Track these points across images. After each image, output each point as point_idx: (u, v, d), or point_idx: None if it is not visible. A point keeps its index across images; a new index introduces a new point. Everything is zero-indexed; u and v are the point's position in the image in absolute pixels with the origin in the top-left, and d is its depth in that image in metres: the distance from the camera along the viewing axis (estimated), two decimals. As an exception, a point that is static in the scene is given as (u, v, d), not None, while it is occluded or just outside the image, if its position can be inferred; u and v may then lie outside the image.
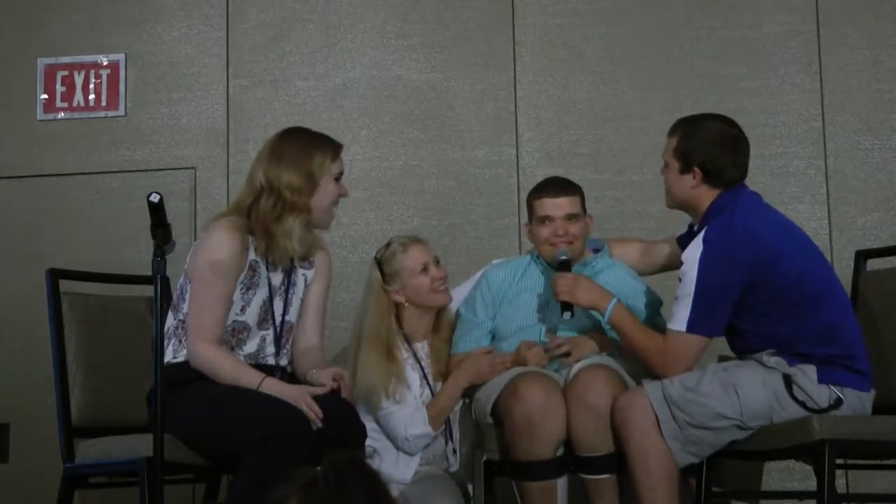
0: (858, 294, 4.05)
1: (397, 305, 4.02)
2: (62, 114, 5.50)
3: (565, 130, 5.24)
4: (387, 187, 5.28)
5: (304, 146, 3.68)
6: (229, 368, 3.55)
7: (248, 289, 3.65)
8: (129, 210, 5.29)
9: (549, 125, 5.25)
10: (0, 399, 5.23)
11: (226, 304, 3.60)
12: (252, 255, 3.64)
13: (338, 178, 3.71)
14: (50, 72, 5.50)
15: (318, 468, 2.06)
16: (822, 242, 4.95)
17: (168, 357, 3.60)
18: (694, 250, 3.52)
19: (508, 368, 3.79)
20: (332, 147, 3.73)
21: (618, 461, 3.58)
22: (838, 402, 3.47)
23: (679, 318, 3.52)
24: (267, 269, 3.67)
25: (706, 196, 3.63)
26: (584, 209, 4.00)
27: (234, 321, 3.64)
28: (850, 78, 5.12)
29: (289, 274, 3.73)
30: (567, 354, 3.77)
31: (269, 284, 3.68)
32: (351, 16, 5.42)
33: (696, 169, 3.62)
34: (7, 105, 5.52)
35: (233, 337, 3.64)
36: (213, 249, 3.58)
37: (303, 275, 3.78)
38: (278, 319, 3.70)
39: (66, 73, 5.50)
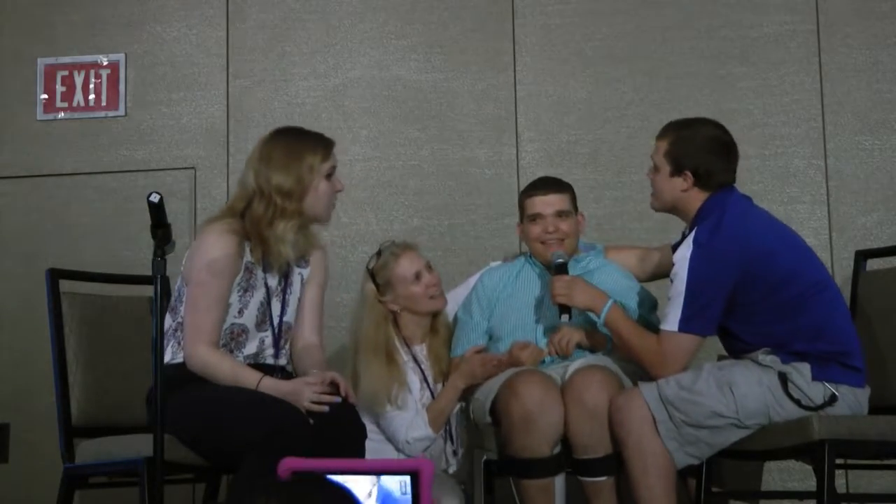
0: (858, 294, 4.05)
1: (393, 312, 4.03)
2: (62, 114, 5.50)
3: (565, 130, 5.24)
4: (387, 187, 5.28)
5: (292, 148, 3.65)
6: (227, 370, 3.55)
7: (245, 291, 3.65)
8: (129, 210, 5.29)
9: (549, 125, 5.25)
10: (0, 399, 5.23)
11: (222, 306, 3.60)
12: (248, 258, 3.64)
13: (330, 175, 3.69)
14: (50, 72, 5.50)
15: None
16: (822, 242, 4.95)
17: (167, 358, 3.59)
18: (684, 251, 3.54)
19: (503, 370, 3.80)
20: (322, 146, 3.69)
21: (616, 463, 3.58)
22: (833, 399, 3.48)
23: (671, 319, 3.54)
24: (263, 270, 3.67)
25: (695, 199, 3.64)
26: (576, 207, 4.01)
27: (232, 324, 3.64)
28: (850, 78, 5.12)
29: (285, 275, 3.72)
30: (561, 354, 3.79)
31: (266, 286, 3.68)
32: (351, 16, 5.42)
33: (688, 173, 3.63)
34: (7, 105, 5.52)
35: (232, 340, 3.64)
36: (208, 252, 3.58)
37: (299, 274, 3.77)
38: (276, 320, 3.70)
39: (66, 73, 5.50)
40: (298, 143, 3.68)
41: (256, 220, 3.60)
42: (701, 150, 3.64)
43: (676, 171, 3.65)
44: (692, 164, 3.62)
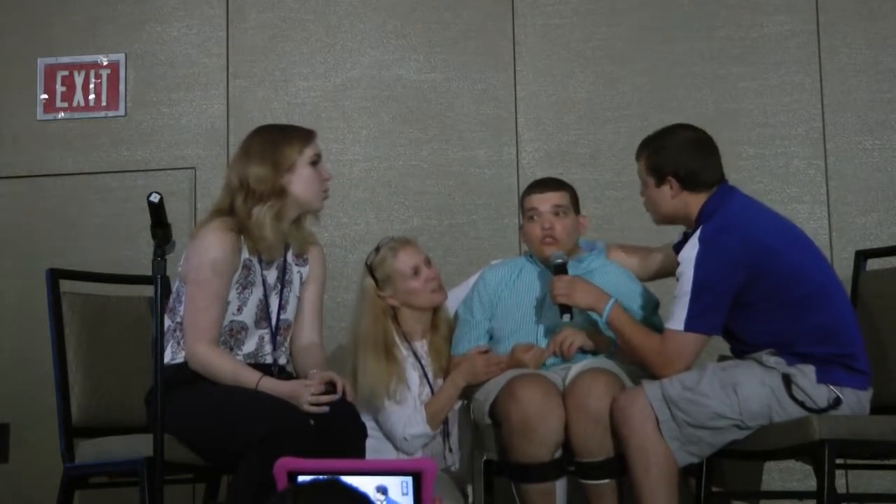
0: (858, 294, 4.05)
1: (393, 307, 4.03)
2: (62, 114, 5.50)
3: (565, 130, 5.24)
4: (387, 187, 5.28)
5: (269, 140, 3.69)
6: (228, 369, 3.56)
7: (244, 288, 3.65)
8: (129, 210, 5.29)
9: (549, 125, 5.25)
10: (0, 399, 5.23)
11: (221, 304, 3.60)
12: (245, 255, 3.64)
13: (315, 163, 3.71)
14: (50, 72, 5.50)
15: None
16: (822, 242, 4.94)
17: (167, 358, 3.59)
18: (690, 250, 3.54)
19: (504, 370, 3.79)
20: (300, 135, 3.72)
21: (618, 466, 3.57)
22: (837, 402, 3.47)
23: (676, 318, 3.53)
24: (261, 267, 3.68)
25: (692, 202, 3.64)
26: (577, 209, 3.99)
27: (231, 321, 3.64)
28: (850, 78, 5.12)
29: (283, 272, 3.73)
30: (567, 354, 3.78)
31: (264, 283, 3.68)
32: (351, 16, 5.42)
33: (671, 178, 3.63)
34: (7, 105, 5.52)
35: (231, 337, 3.65)
36: (206, 251, 3.59)
37: (298, 272, 3.78)
38: (273, 318, 3.70)
39: (66, 73, 5.50)
40: (276, 135, 3.73)
41: (240, 213, 3.62)
42: (675, 153, 3.65)
43: (660, 180, 3.66)
44: (671, 169, 3.63)
